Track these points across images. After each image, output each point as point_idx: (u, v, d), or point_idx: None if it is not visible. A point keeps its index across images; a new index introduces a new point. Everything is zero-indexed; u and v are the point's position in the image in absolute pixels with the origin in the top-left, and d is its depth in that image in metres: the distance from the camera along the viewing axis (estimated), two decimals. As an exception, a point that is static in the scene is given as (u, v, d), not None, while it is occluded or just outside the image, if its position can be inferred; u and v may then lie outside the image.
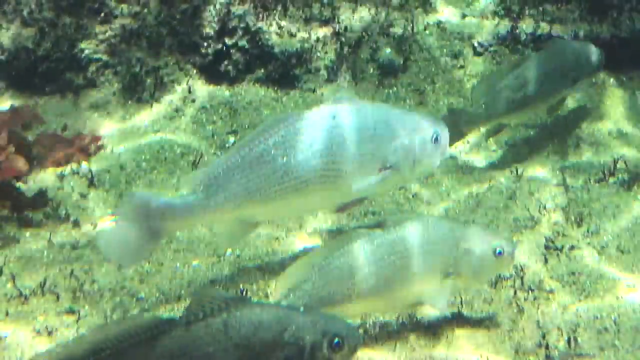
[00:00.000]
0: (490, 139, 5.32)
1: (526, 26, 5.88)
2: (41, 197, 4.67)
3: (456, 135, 4.97)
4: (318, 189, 3.73)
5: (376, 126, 3.76)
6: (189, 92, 5.70)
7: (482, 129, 5.27)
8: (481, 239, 3.43)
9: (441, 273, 3.39)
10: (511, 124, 5.32)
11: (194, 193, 3.72)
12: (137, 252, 3.73)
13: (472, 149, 5.30)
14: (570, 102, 5.62)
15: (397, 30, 5.95)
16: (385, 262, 3.33)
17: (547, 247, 4.21)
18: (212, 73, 5.79)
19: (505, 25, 5.94)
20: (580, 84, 5.24)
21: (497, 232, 3.64)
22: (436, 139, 3.82)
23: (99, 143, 5.24)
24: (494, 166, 5.11)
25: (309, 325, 2.81)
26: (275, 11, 5.80)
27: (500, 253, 3.42)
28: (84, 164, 5.06)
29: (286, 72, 5.77)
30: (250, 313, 2.80)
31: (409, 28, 5.96)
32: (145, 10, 5.77)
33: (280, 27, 5.78)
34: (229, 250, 4.30)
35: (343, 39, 5.83)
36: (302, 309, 2.93)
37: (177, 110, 5.60)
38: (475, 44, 5.92)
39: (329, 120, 3.73)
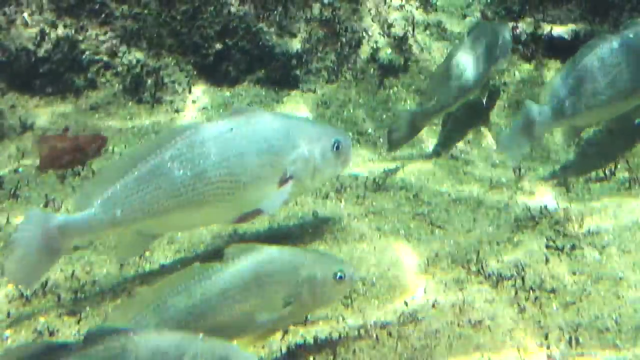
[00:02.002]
0: (491, 139, 5.33)
1: (526, 26, 5.88)
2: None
3: (413, 132, 5.18)
4: (216, 201, 3.74)
5: (275, 137, 3.79)
6: (190, 92, 5.71)
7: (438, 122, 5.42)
8: (321, 266, 3.41)
9: (282, 301, 3.36)
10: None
11: (91, 208, 3.70)
12: (37, 271, 3.72)
13: (473, 148, 5.30)
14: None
15: (398, 30, 5.95)
16: (224, 295, 3.29)
17: (548, 247, 4.21)
18: (212, 74, 5.79)
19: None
20: (500, 62, 5.40)
21: (335, 258, 3.64)
22: (337, 148, 3.84)
23: (101, 144, 5.23)
24: (495, 165, 5.11)
25: (207, 353, 2.80)
26: (275, 12, 5.80)
27: (341, 277, 3.42)
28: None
29: (287, 72, 5.77)
30: (148, 338, 2.79)
31: (409, 28, 5.96)
32: (146, 11, 5.78)
33: (280, 28, 5.78)
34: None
35: (343, 40, 5.84)
36: (201, 336, 2.90)
37: (177, 111, 5.60)
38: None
39: (226, 131, 3.74)
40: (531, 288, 3.92)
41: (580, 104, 4.75)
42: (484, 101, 5.57)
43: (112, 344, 2.77)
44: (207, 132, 3.75)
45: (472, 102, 5.53)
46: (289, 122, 3.91)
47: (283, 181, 3.79)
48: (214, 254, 4.28)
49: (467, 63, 5.23)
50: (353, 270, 3.51)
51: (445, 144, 5.38)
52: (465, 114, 5.54)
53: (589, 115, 4.84)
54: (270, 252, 3.40)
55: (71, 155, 5.10)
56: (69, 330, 3.81)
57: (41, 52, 5.59)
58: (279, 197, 3.84)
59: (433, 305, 3.79)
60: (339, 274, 3.42)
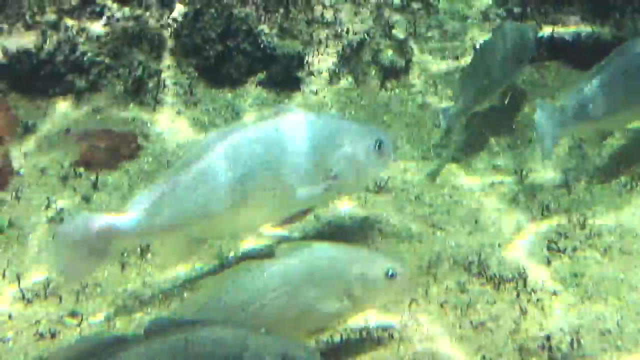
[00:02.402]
0: (493, 139, 5.32)
1: (528, 28, 5.88)
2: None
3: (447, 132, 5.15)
4: (263, 202, 3.72)
5: (319, 137, 3.76)
6: (191, 94, 5.71)
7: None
8: (373, 263, 3.38)
9: (334, 298, 3.33)
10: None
11: (138, 211, 3.67)
12: (80, 271, 3.72)
13: (475, 150, 5.30)
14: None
15: (399, 32, 5.95)
16: (276, 292, 3.27)
17: (549, 249, 4.21)
18: (214, 75, 5.79)
19: (507, 27, 5.94)
20: (525, 63, 5.39)
21: (388, 256, 3.59)
22: (379, 148, 3.82)
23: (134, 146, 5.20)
24: (496, 167, 5.11)
25: (269, 347, 2.79)
26: (277, 13, 5.80)
27: (392, 275, 3.38)
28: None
29: (288, 74, 5.77)
30: (210, 332, 2.78)
31: (411, 30, 5.96)
32: (147, 13, 5.78)
33: (282, 30, 5.78)
34: (232, 253, 4.29)
35: (345, 41, 5.84)
36: (263, 330, 2.89)
37: (179, 112, 5.60)
38: (477, 46, 5.93)
39: (272, 132, 3.72)
40: (533, 290, 3.92)
41: (608, 107, 4.73)
42: (506, 102, 5.54)
43: (174, 337, 2.75)
44: (253, 134, 3.72)
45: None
46: (331, 122, 3.88)
47: (327, 181, 3.77)
48: (217, 256, 4.29)
49: (491, 62, 5.19)
50: (405, 269, 3.47)
51: (461, 147, 5.35)
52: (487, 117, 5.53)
53: (615, 119, 4.84)
54: (322, 249, 3.38)
55: (107, 155, 5.09)
56: (70, 333, 3.81)
57: (42, 54, 5.59)
58: (326, 194, 3.82)
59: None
60: (390, 271, 3.38)
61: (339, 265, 3.35)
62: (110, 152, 5.06)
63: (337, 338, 3.64)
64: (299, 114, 3.86)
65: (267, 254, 3.44)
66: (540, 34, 5.63)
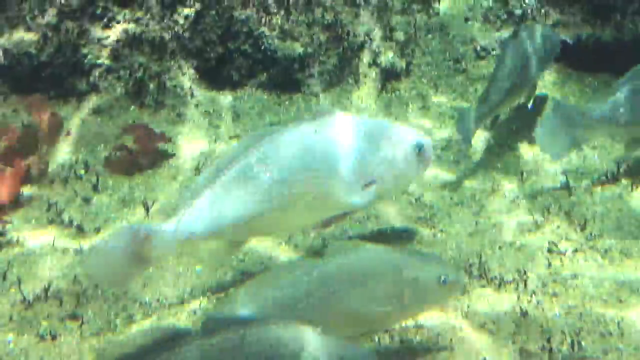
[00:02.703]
0: (493, 140, 5.33)
1: (528, 29, 5.88)
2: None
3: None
4: (302, 204, 3.67)
5: (359, 139, 3.70)
6: (192, 96, 5.71)
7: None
8: (425, 268, 3.34)
9: (386, 302, 3.30)
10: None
11: (180, 216, 3.63)
12: (123, 276, 3.65)
13: (476, 152, 5.30)
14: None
15: (400, 34, 5.95)
16: (327, 291, 3.25)
17: (550, 251, 4.21)
18: (214, 78, 5.79)
19: (508, 29, 5.94)
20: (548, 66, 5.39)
21: (441, 261, 3.56)
22: (419, 151, 3.80)
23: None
24: (497, 169, 5.11)
25: (326, 348, 2.77)
26: (277, 16, 5.81)
27: (445, 281, 3.33)
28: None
29: (289, 76, 5.77)
30: (268, 330, 2.76)
31: (412, 32, 5.96)
32: (148, 15, 5.78)
33: (282, 32, 5.79)
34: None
35: (345, 43, 5.84)
36: (320, 330, 2.87)
37: (179, 115, 5.60)
38: (478, 48, 5.93)
39: (311, 134, 3.68)
40: (533, 292, 3.92)
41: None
42: (529, 105, 5.52)
43: (231, 333, 2.74)
44: (292, 136, 3.68)
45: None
46: (372, 124, 3.84)
47: (367, 184, 3.75)
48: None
49: (514, 64, 5.17)
50: (459, 275, 3.42)
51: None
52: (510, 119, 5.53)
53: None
54: (374, 251, 3.36)
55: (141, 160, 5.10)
56: (71, 335, 3.81)
57: (43, 56, 5.60)
58: (365, 197, 3.74)
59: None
60: (443, 277, 3.33)
61: (390, 269, 3.32)
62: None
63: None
64: (338, 115, 3.81)
65: (318, 253, 3.42)
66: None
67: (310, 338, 2.78)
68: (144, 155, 5.09)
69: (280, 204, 3.65)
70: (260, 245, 4.37)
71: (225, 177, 3.64)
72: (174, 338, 2.74)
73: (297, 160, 3.64)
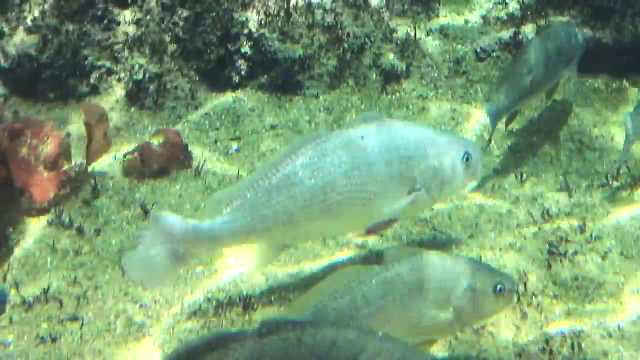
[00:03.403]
0: (494, 144, 5.32)
1: (528, 31, 5.88)
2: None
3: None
4: (346, 210, 3.65)
5: (405, 147, 3.68)
6: (192, 98, 5.71)
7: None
8: (482, 277, 3.33)
9: (442, 309, 3.29)
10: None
11: (220, 216, 3.60)
12: (161, 275, 3.62)
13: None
14: (572, 108, 5.61)
15: (400, 36, 5.95)
16: (385, 299, 3.23)
17: (550, 253, 4.20)
18: (215, 79, 5.80)
19: (507, 31, 5.95)
20: (573, 64, 5.30)
21: (497, 269, 3.55)
22: (467, 160, 3.77)
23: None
24: (497, 171, 5.11)
25: (385, 352, 2.74)
26: (277, 17, 5.81)
27: (501, 290, 3.31)
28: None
29: (289, 78, 5.77)
30: (325, 332, 2.74)
31: (412, 34, 5.96)
32: (148, 17, 5.79)
33: (283, 34, 5.79)
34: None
35: (346, 45, 5.84)
36: (380, 334, 2.85)
37: (179, 116, 5.61)
38: (478, 50, 5.93)
39: (357, 140, 3.66)
40: (533, 294, 3.92)
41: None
42: (548, 102, 5.49)
43: (288, 335, 2.72)
44: (338, 141, 3.65)
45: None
46: (419, 132, 3.79)
47: (411, 192, 3.73)
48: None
49: (536, 61, 5.13)
50: (514, 285, 3.40)
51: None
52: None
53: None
54: (432, 258, 3.32)
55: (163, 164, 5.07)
56: (71, 337, 3.81)
57: (44, 58, 5.60)
58: (409, 206, 3.74)
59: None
60: (499, 286, 3.30)
61: (448, 277, 3.29)
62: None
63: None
64: (386, 122, 3.79)
65: (375, 259, 3.38)
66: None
67: (369, 342, 2.75)
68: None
69: (324, 209, 3.63)
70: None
71: (269, 180, 3.62)
72: (231, 339, 2.72)
73: (342, 167, 3.62)
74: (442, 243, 4.37)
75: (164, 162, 5.03)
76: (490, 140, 5.16)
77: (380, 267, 3.28)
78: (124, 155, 5.08)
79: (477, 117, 5.54)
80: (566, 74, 5.36)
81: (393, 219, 3.80)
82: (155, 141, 5.06)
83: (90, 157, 4.97)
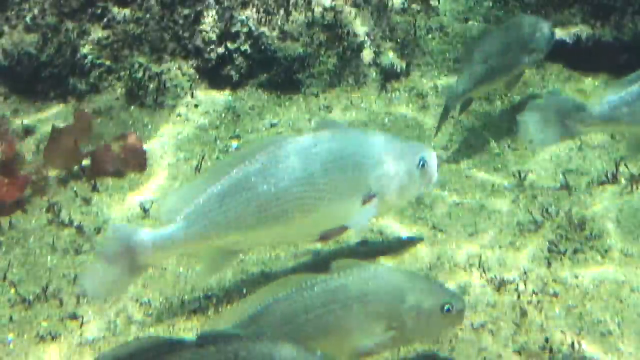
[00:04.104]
0: (494, 142, 5.32)
1: (529, 30, 5.88)
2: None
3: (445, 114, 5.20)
4: (300, 217, 3.64)
5: (359, 153, 3.68)
6: (192, 96, 5.71)
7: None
8: (430, 294, 3.24)
9: (384, 325, 3.21)
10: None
11: (173, 223, 3.60)
12: (115, 286, 3.62)
13: (475, 152, 5.30)
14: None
15: (400, 34, 5.95)
16: (325, 309, 3.17)
17: (550, 251, 4.20)
18: (214, 78, 5.80)
19: (507, 29, 5.95)
20: (533, 57, 5.30)
21: (446, 288, 3.44)
22: (423, 166, 3.77)
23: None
24: (496, 169, 5.11)
25: None
26: (277, 15, 5.81)
27: (449, 310, 3.23)
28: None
29: (289, 76, 5.77)
30: (262, 347, 2.74)
31: (412, 32, 5.96)
32: (148, 15, 5.78)
33: (282, 32, 5.79)
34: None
35: (345, 43, 5.84)
36: (319, 354, 2.84)
37: (179, 115, 5.61)
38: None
39: (311, 147, 3.65)
40: (533, 292, 3.92)
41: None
42: (509, 93, 5.50)
43: (226, 348, 2.72)
44: (292, 147, 3.65)
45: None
46: (373, 138, 3.79)
47: (367, 198, 3.72)
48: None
49: (491, 50, 5.15)
50: (463, 304, 3.31)
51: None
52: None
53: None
54: (380, 272, 3.26)
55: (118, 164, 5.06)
56: (71, 335, 3.81)
57: (43, 57, 5.60)
58: (367, 214, 3.72)
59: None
60: (446, 306, 3.22)
61: (393, 292, 3.21)
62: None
63: None
64: (341, 128, 3.80)
65: (322, 269, 3.32)
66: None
67: (306, 358, 2.75)
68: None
69: (277, 215, 3.62)
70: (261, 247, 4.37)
71: (223, 185, 3.61)
72: (168, 348, 2.72)
73: (296, 172, 3.61)
74: (441, 241, 4.37)
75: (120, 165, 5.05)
76: (439, 128, 5.21)
77: (325, 276, 3.21)
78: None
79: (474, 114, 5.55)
80: (526, 67, 5.37)
81: (346, 226, 3.78)
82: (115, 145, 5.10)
83: (52, 161, 4.96)
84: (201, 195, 3.62)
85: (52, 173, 4.99)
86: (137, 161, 5.09)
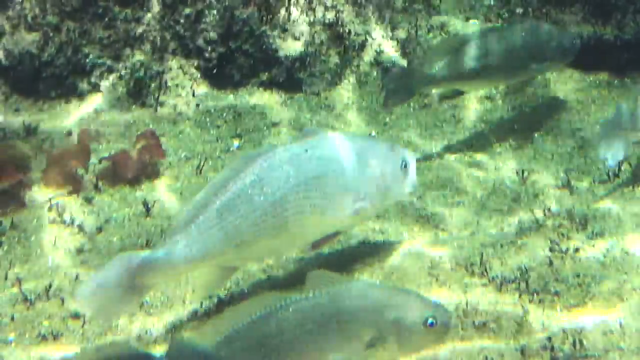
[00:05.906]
0: (495, 140, 5.32)
1: (530, 29, 5.87)
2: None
3: (406, 94, 5.13)
4: (296, 226, 3.63)
5: (348, 158, 3.69)
6: (193, 96, 5.71)
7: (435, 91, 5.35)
8: (412, 308, 3.12)
9: (364, 343, 3.08)
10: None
11: (173, 245, 3.56)
12: (117, 309, 3.57)
13: (477, 151, 5.30)
14: (574, 105, 5.61)
15: (401, 33, 5.95)
16: (301, 328, 3.06)
17: (551, 250, 4.20)
18: (216, 77, 5.79)
19: (509, 28, 5.94)
20: (546, 66, 5.29)
21: (429, 301, 3.26)
22: (404, 167, 3.78)
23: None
24: (498, 168, 5.11)
25: None
26: (278, 15, 5.81)
27: (432, 324, 3.10)
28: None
29: (290, 75, 5.77)
30: None
31: (413, 31, 5.96)
32: (149, 14, 5.78)
33: (284, 31, 5.79)
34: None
35: (346, 42, 5.84)
36: None
37: (181, 114, 5.61)
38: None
39: (302, 154, 3.65)
40: (535, 291, 3.91)
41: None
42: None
43: None
44: (283, 156, 3.63)
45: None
46: (359, 142, 3.80)
47: (358, 202, 3.71)
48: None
49: (495, 48, 5.12)
50: (448, 317, 3.18)
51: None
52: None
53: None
54: (356, 287, 3.15)
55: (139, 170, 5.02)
56: (73, 335, 3.81)
57: (45, 56, 5.60)
58: (358, 216, 3.74)
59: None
60: (430, 319, 3.10)
61: (372, 307, 3.09)
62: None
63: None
64: (327, 134, 3.80)
65: (298, 284, 3.27)
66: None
67: None
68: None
69: (275, 226, 3.61)
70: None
71: (220, 201, 3.58)
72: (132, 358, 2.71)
73: (290, 181, 3.61)
74: (442, 240, 4.37)
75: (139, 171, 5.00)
76: (387, 105, 5.23)
77: (300, 295, 3.11)
78: (99, 160, 5.06)
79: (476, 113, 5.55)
80: (534, 73, 5.34)
81: (337, 233, 3.79)
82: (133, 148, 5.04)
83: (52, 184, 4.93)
84: (199, 214, 3.58)
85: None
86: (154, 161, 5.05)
